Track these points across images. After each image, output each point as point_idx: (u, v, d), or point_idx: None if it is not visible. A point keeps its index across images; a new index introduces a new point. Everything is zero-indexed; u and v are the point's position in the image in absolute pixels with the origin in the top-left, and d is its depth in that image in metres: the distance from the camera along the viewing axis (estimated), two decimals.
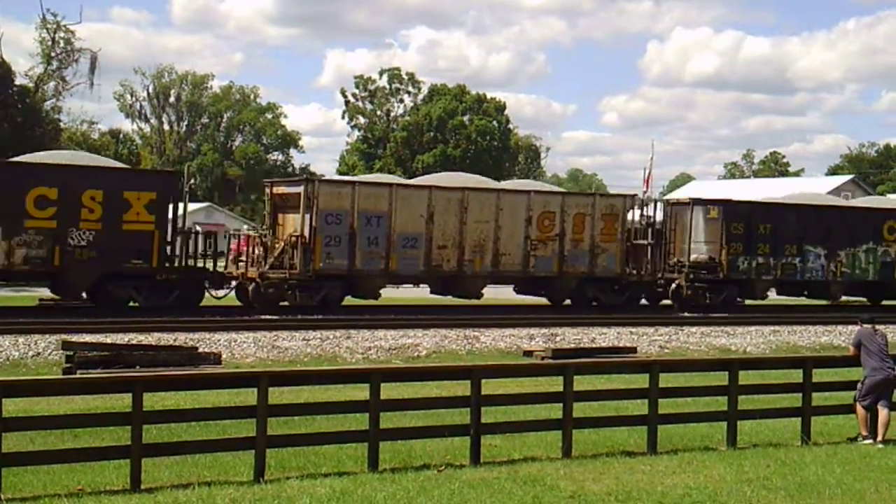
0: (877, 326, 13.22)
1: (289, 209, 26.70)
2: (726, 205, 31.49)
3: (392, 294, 31.44)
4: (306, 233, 25.71)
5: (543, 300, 30.76)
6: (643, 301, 30.94)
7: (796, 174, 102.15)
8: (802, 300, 34.52)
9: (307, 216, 25.76)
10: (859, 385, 12.98)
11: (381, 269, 26.75)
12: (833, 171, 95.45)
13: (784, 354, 22.56)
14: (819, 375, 13.47)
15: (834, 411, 13.70)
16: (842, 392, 13.68)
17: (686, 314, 29.28)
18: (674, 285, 30.16)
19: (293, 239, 25.84)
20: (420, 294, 32.59)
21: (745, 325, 27.14)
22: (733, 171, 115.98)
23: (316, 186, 26.21)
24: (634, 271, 29.95)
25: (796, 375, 13.34)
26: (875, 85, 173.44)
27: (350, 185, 27.19)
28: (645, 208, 31.37)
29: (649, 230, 30.81)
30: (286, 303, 26.14)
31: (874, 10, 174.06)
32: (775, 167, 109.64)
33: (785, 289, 33.49)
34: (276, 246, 26.39)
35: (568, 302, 30.09)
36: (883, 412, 12.73)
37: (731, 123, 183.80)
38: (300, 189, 26.33)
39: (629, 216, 30.33)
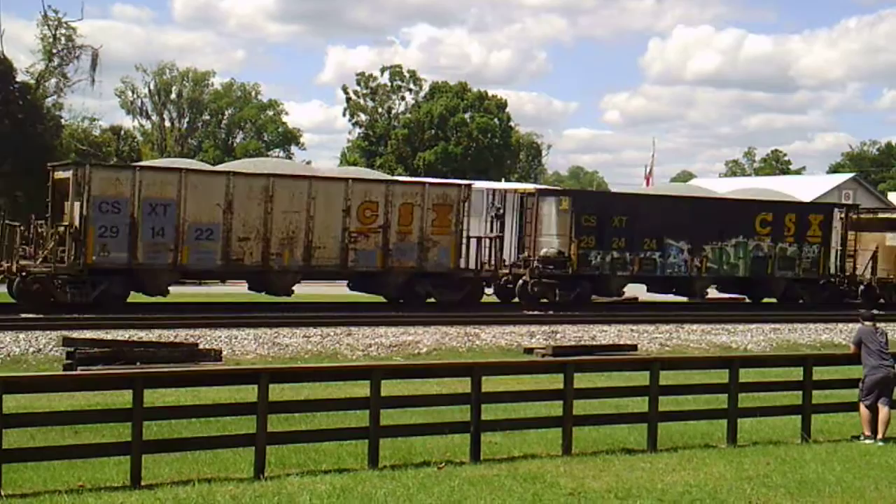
0: (878, 325, 13.23)
1: (68, 196, 24.16)
2: (576, 195, 30.28)
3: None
4: (77, 222, 23.37)
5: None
6: (490, 297, 29.37)
7: (798, 172, 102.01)
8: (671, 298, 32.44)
9: (77, 204, 23.44)
10: (860, 384, 12.98)
11: (169, 263, 24.44)
12: (834, 169, 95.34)
13: (784, 352, 22.58)
14: (819, 373, 13.49)
15: (834, 409, 13.72)
16: (842, 390, 13.69)
17: (529, 312, 27.45)
18: (520, 281, 28.52)
19: (62, 229, 23.51)
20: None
21: (745, 323, 27.14)
22: (735, 170, 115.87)
23: (87, 171, 23.73)
24: (473, 266, 28.10)
25: (797, 373, 13.35)
26: (876, 83, 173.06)
27: (130, 170, 24.96)
28: (494, 198, 29.97)
29: (497, 222, 29.61)
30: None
31: (875, 8, 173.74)
32: (777, 165, 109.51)
33: (653, 286, 31.76)
34: (49, 237, 23.88)
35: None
36: (883, 410, 12.73)
37: (733, 121, 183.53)
38: (69, 173, 23.98)
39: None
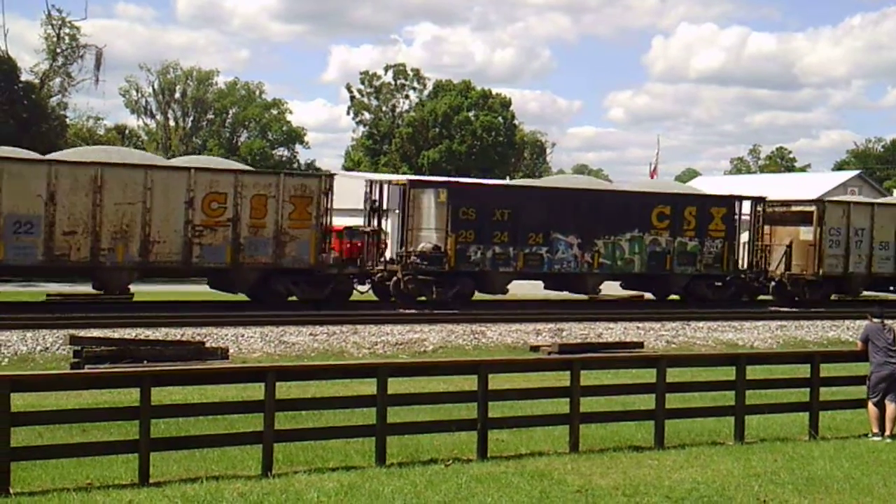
0: (886, 322, 13.20)
1: None
2: (453, 187, 28.65)
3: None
4: None
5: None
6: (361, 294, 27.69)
7: (802, 170, 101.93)
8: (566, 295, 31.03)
9: None
10: (867, 381, 12.97)
11: None
12: (839, 167, 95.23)
13: (791, 349, 22.56)
14: (827, 370, 13.45)
15: (842, 406, 13.70)
16: (850, 387, 13.67)
17: (406, 311, 25.88)
18: (395, 278, 27.09)
19: None
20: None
21: (752, 320, 27.11)
22: (739, 167, 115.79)
23: None
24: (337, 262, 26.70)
25: (804, 370, 13.33)
26: (881, 81, 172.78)
27: None
28: (371, 191, 28.25)
29: (374, 216, 28.00)
30: None
31: (880, 6, 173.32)
32: (781, 163, 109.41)
33: (546, 283, 30.42)
34: None
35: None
36: (891, 407, 12.71)
37: (737, 119, 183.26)
38: None
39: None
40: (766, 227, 31.88)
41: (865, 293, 34.54)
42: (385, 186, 28.66)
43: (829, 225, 31.51)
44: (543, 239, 28.25)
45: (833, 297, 33.07)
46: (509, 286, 28.77)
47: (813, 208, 31.91)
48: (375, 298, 28.18)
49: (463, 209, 27.33)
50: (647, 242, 29.55)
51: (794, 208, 33.01)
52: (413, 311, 25.94)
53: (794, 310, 30.21)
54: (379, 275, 27.58)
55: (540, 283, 30.85)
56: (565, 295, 31.37)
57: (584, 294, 30.03)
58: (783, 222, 32.50)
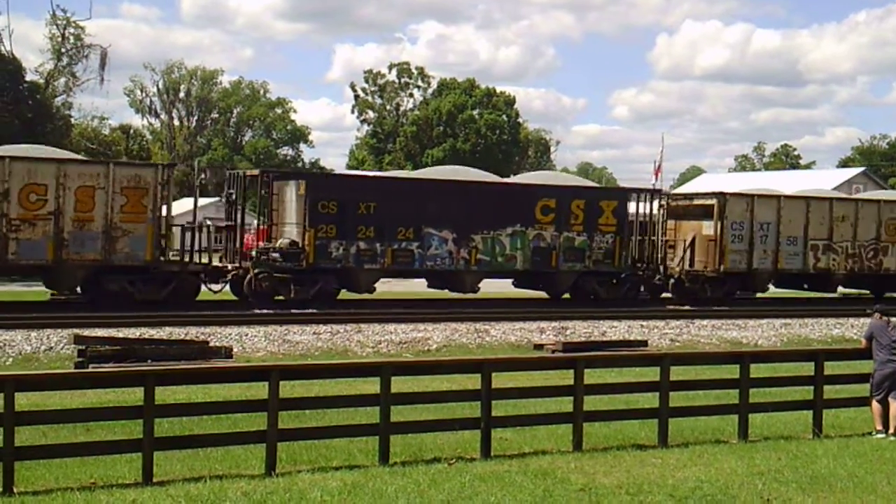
0: (891, 319, 13.17)
1: None
2: (312, 179, 27.39)
3: None
4: None
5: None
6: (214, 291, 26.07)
7: (807, 167, 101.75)
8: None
9: None
10: (871, 379, 12.94)
11: None
12: (844, 164, 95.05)
13: (795, 347, 22.52)
14: (831, 368, 13.43)
15: (845, 404, 13.68)
16: (853, 385, 13.63)
17: (259, 311, 24.42)
18: (249, 276, 25.41)
19: None
20: None
21: (756, 319, 27.08)
22: (744, 164, 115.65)
23: None
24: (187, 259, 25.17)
25: (808, 368, 13.31)
26: (886, 77, 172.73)
27: None
28: (229, 183, 26.83)
29: (231, 209, 26.72)
30: None
31: (885, 2, 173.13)
32: (786, 160, 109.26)
33: (435, 281, 28.93)
34: None
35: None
36: (894, 404, 12.69)
37: (742, 116, 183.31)
38: None
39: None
40: (671, 222, 30.86)
41: (779, 291, 33.60)
42: (248, 179, 27.13)
43: (732, 219, 30.05)
44: (414, 234, 26.69)
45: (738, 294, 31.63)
46: (377, 284, 27.22)
47: (713, 201, 30.47)
48: (235, 298, 26.36)
49: (323, 202, 25.64)
50: (530, 237, 28.02)
51: (696, 202, 31.66)
52: (267, 311, 24.29)
53: (692, 308, 28.83)
54: (233, 273, 25.87)
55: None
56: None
57: (461, 292, 28.30)
58: (687, 216, 31.08)
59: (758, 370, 13.07)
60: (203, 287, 25.75)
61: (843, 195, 34.95)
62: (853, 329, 25.69)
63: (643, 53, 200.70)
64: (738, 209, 30.28)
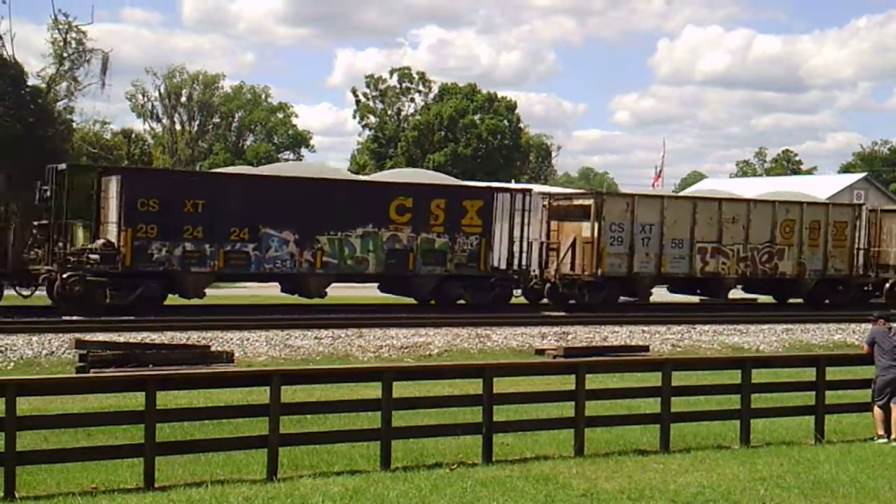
0: (893, 325, 13.17)
1: None
2: (128, 174, 25.32)
3: None
4: None
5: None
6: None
7: (809, 172, 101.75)
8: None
9: None
10: (873, 384, 12.94)
11: None
12: (846, 169, 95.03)
13: (797, 352, 22.51)
14: (832, 373, 13.44)
15: (847, 409, 13.67)
16: (855, 390, 13.64)
17: (69, 317, 22.70)
18: (58, 281, 23.46)
19: None
20: None
21: (758, 324, 27.07)
22: (745, 170, 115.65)
23: None
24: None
25: (809, 374, 13.31)
26: (887, 83, 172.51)
27: None
28: (50, 178, 24.50)
29: (45, 206, 24.69)
30: None
31: (886, 7, 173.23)
32: (788, 165, 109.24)
33: (284, 285, 27.05)
34: None
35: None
36: None
37: (743, 121, 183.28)
38: None
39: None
40: (555, 223, 29.51)
41: (673, 297, 32.18)
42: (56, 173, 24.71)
43: (610, 220, 28.31)
44: (250, 234, 24.77)
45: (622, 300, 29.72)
46: (207, 289, 25.38)
47: (591, 201, 28.85)
48: (50, 303, 24.54)
49: (142, 199, 23.74)
50: (384, 239, 26.22)
51: (575, 202, 29.85)
52: (77, 318, 22.52)
53: (569, 314, 27.36)
54: (44, 276, 24.04)
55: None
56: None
57: (307, 297, 26.61)
58: (569, 218, 29.39)
59: (759, 375, 13.06)
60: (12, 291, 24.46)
61: (734, 196, 32.16)
62: (855, 334, 25.68)
63: (644, 58, 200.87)
64: (617, 209, 28.58)
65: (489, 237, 27.44)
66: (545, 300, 29.36)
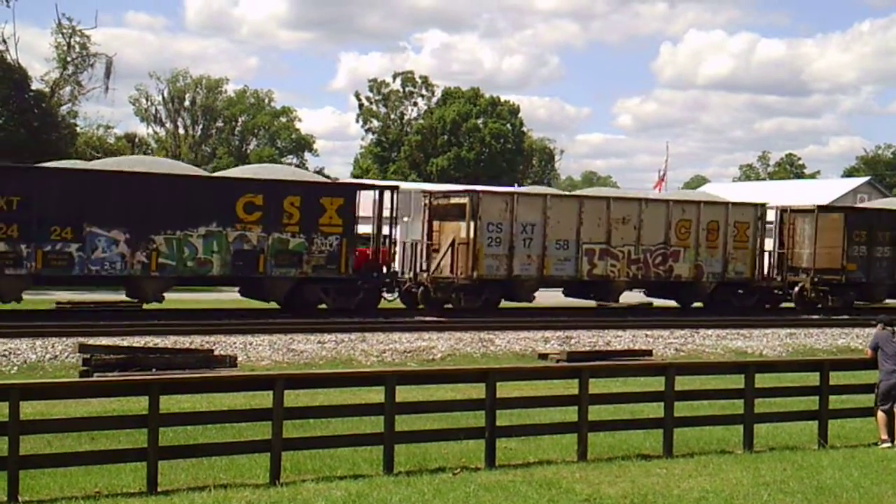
0: None
1: None
2: None
3: None
4: None
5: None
6: None
7: (812, 176, 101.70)
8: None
9: None
10: (876, 389, 12.92)
11: None
12: (849, 173, 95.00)
13: (800, 357, 22.48)
14: (836, 378, 13.40)
15: (851, 414, 13.64)
16: (859, 395, 13.61)
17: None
18: None
19: None
20: None
21: (761, 328, 27.03)
22: (749, 174, 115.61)
23: None
24: None
25: (813, 378, 13.29)
26: (890, 86, 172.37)
27: None
28: None
29: None
30: None
31: (889, 11, 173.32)
32: (791, 169, 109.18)
33: (117, 288, 25.55)
34: None
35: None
36: None
37: (746, 125, 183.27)
38: None
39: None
40: (436, 223, 28.13)
41: (569, 301, 31.06)
42: None
43: (487, 219, 26.95)
44: (73, 234, 22.86)
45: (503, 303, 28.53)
46: (24, 294, 23.61)
47: (466, 200, 27.37)
48: None
49: None
50: (230, 239, 24.38)
51: (453, 200, 28.19)
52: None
53: (439, 319, 25.75)
54: None
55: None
56: (571, 301, 31.24)
57: (144, 301, 24.86)
58: (448, 217, 27.94)
59: (763, 380, 13.06)
60: None
61: (625, 194, 30.91)
62: (858, 339, 25.63)
63: (647, 62, 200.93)
64: (495, 209, 27.17)
65: (350, 237, 25.76)
66: (421, 305, 28.03)
